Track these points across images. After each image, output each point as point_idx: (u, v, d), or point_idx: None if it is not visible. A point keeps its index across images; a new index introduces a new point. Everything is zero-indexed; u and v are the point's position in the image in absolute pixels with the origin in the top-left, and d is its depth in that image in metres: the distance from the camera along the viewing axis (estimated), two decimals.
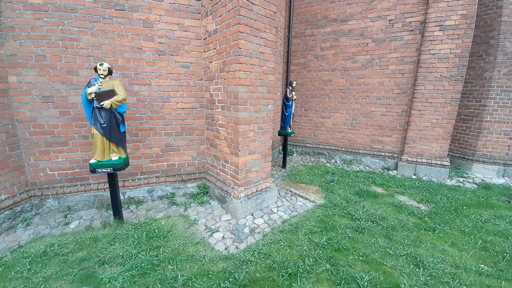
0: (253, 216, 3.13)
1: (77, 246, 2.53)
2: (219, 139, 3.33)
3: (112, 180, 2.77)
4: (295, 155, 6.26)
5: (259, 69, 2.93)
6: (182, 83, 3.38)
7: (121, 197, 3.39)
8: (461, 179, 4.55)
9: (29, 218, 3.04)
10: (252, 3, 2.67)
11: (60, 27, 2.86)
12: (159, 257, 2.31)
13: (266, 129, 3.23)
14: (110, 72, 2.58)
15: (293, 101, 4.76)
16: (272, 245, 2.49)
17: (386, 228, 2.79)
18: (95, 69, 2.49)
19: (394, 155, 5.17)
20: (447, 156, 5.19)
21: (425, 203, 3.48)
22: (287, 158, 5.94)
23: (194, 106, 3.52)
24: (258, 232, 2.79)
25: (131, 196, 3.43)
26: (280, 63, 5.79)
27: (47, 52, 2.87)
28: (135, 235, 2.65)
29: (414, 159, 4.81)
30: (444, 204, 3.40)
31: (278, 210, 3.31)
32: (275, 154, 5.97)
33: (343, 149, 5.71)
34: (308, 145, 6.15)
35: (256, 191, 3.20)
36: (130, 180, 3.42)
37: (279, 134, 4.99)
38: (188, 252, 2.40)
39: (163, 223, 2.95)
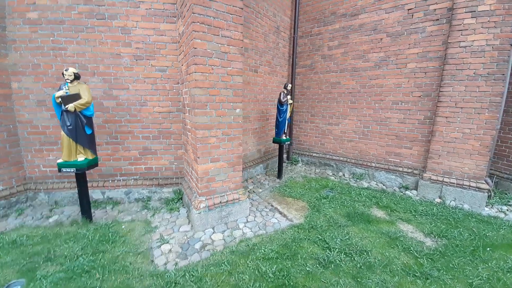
0: (213, 230, 2.87)
1: (40, 239, 2.68)
2: (188, 144, 3.20)
3: (79, 180, 2.88)
4: (299, 164, 5.73)
5: (221, 70, 2.71)
6: (158, 87, 3.38)
7: (101, 197, 3.54)
8: (504, 208, 3.42)
9: (23, 209, 3.39)
10: (209, 0, 2.49)
11: (51, 38, 3.16)
12: (95, 263, 2.26)
13: (233, 136, 2.96)
14: (76, 77, 2.70)
15: (288, 106, 4.36)
16: (211, 268, 2.20)
17: (361, 265, 2.20)
18: (63, 74, 2.64)
19: (415, 171, 4.24)
20: (492, 177, 4.03)
21: (434, 237, 2.68)
22: (289, 168, 5.50)
23: (170, 110, 3.48)
24: (208, 249, 2.52)
25: (110, 196, 3.55)
26: (284, 65, 5.44)
27: (41, 61, 3.21)
28: (90, 237, 2.68)
29: (440, 178, 3.84)
30: (461, 241, 2.55)
31: (245, 226, 2.98)
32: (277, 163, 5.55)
33: (353, 160, 4.97)
34: (314, 154, 5.56)
35: (220, 202, 2.94)
36: (110, 181, 3.55)
37: (273, 142, 4.62)
38: (124, 262, 2.29)
39: (123, 227, 2.94)
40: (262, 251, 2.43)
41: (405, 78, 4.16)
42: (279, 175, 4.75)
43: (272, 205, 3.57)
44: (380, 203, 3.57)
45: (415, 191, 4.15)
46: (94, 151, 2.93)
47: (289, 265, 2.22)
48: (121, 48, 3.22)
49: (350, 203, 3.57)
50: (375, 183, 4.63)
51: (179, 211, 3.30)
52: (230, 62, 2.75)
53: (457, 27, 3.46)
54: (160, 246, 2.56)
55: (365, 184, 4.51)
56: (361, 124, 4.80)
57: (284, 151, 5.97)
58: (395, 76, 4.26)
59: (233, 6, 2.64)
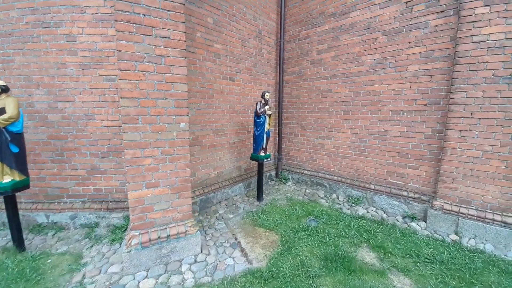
0: (147, 273, 2.31)
1: None
2: None
3: (6, 204, 2.52)
4: (289, 183, 5.05)
5: (157, 77, 2.25)
6: (106, 98, 3.02)
7: (45, 221, 3.16)
8: None
9: None
10: None
11: (1, 51, 2.96)
12: None
13: (177, 155, 2.45)
14: (3, 90, 2.41)
15: (266, 118, 3.78)
16: None
17: None
18: None
19: (423, 197, 3.40)
20: None
21: None
22: (276, 187, 4.84)
23: (120, 124, 3.07)
24: None
25: (55, 221, 3.16)
26: (270, 73, 4.93)
27: None
28: (9, 270, 2.26)
29: (455, 208, 2.99)
30: None
31: (189, 269, 2.38)
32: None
33: (349, 181, 4.20)
34: (306, 172, 4.85)
35: (159, 237, 2.39)
36: (56, 203, 3.17)
37: (251, 159, 4.03)
38: None
39: (49, 261, 2.48)
40: None
41: (406, 83, 3.44)
42: (259, 197, 4.11)
43: (236, 238, 2.94)
44: (372, 241, 2.79)
45: (424, 222, 3.29)
46: (23, 171, 2.57)
47: None
48: (66, 57, 2.92)
49: (333, 239, 2.83)
50: (374, 209, 3.81)
51: (120, 244, 2.79)
52: (169, 67, 2.29)
53: (467, 19, 2.74)
54: None
55: (361, 211, 3.71)
56: (356, 138, 4.07)
57: (273, 167, 5.35)
58: (394, 81, 3.55)
59: (170, 1, 2.21)
